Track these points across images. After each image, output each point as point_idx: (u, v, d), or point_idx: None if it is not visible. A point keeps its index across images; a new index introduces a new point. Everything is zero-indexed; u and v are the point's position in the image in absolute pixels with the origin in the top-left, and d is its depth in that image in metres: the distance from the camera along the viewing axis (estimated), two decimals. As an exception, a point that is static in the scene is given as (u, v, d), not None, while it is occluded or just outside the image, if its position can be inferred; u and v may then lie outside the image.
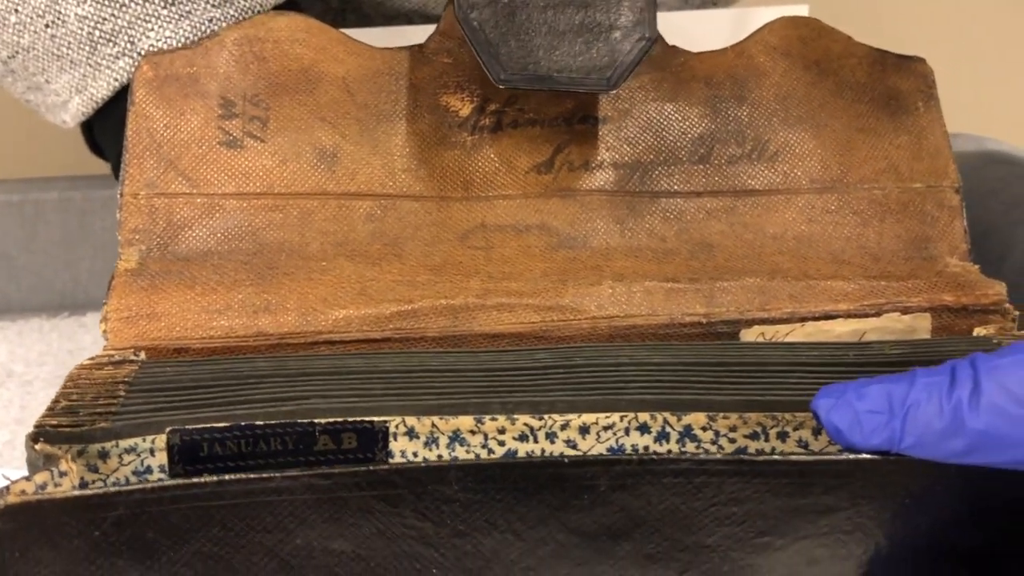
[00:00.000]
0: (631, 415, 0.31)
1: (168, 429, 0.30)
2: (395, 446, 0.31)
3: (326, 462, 0.30)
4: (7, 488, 0.27)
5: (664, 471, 0.29)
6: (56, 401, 0.32)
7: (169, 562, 0.29)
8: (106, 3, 0.41)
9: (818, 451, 0.32)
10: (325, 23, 0.54)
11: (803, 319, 0.39)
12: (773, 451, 0.31)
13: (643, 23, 0.38)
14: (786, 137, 0.43)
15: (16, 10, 0.41)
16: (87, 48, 0.42)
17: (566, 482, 0.29)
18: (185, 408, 0.31)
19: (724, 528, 0.30)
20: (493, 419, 0.31)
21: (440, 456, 0.32)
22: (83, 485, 0.30)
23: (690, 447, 0.32)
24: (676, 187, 0.42)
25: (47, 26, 0.41)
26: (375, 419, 0.30)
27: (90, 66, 0.42)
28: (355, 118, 0.41)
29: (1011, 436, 0.27)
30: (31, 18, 0.41)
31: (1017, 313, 0.41)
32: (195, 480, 0.28)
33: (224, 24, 0.42)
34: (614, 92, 0.42)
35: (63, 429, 0.30)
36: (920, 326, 0.40)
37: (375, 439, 0.31)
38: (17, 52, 0.42)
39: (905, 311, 0.39)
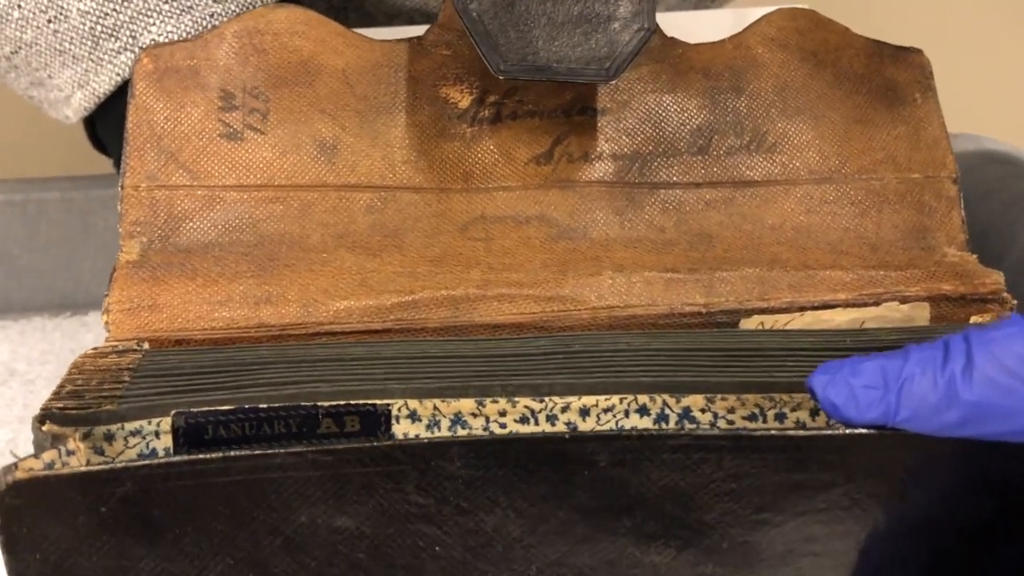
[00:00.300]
0: (630, 397, 0.32)
1: (173, 412, 0.30)
2: (397, 428, 0.31)
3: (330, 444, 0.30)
4: (15, 465, 0.28)
5: (663, 447, 0.29)
6: (61, 386, 0.32)
7: (174, 539, 0.29)
8: None
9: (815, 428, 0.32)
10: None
11: (802, 308, 0.39)
12: (770, 430, 0.31)
13: (642, 14, 0.38)
14: (784, 128, 0.43)
15: (19, 5, 0.41)
16: (89, 43, 0.42)
17: (566, 458, 0.29)
18: (189, 392, 0.31)
19: (723, 504, 0.30)
20: (494, 401, 0.31)
21: None
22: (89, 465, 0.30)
23: (688, 428, 0.32)
24: (675, 178, 0.42)
25: (50, 21, 0.42)
26: (378, 402, 0.31)
27: (92, 61, 0.42)
28: (355, 110, 0.42)
29: (1004, 407, 0.28)
30: (34, 13, 0.41)
31: (1015, 302, 0.41)
32: (200, 456, 0.28)
33: (225, 19, 0.42)
34: (613, 83, 0.42)
35: (69, 411, 0.30)
36: (918, 315, 0.40)
37: (378, 422, 0.31)
38: (20, 47, 0.43)
39: (904, 300, 0.40)
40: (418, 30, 0.43)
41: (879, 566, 0.32)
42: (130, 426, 0.30)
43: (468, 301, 0.39)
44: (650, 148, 0.42)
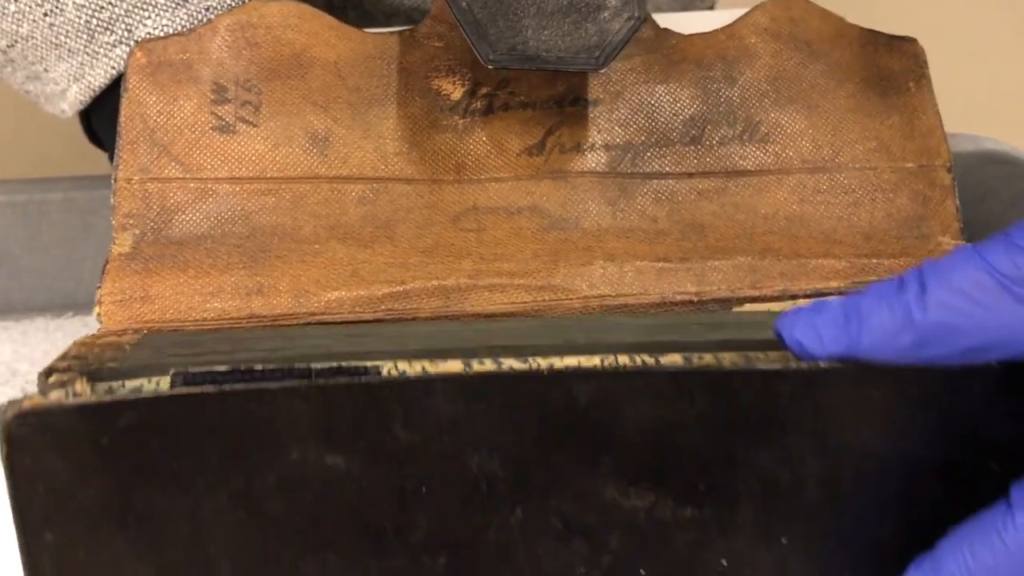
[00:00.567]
0: (611, 357, 0.32)
1: (171, 371, 0.30)
2: None
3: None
4: (22, 398, 0.29)
5: (638, 385, 0.31)
6: (65, 355, 0.33)
7: (171, 475, 0.30)
8: None
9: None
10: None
11: (794, 297, 0.39)
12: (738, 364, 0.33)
13: (632, 3, 0.38)
14: (777, 118, 0.43)
15: None
16: (84, 36, 0.42)
17: (546, 397, 0.31)
18: (187, 356, 0.32)
19: (697, 441, 0.31)
20: (480, 363, 0.31)
21: None
22: None
23: (662, 363, 0.33)
24: (667, 168, 0.42)
25: (45, 15, 0.42)
26: (368, 364, 0.31)
27: (87, 54, 0.42)
28: (347, 102, 0.42)
29: (957, 326, 0.30)
30: (30, 7, 0.42)
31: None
32: (198, 390, 0.29)
33: (220, 12, 0.43)
34: (605, 74, 0.42)
35: (74, 367, 0.31)
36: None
37: None
38: (16, 41, 0.43)
39: None
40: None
41: (849, 506, 0.33)
42: (130, 384, 0.31)
43: (459, 291, 0.39)
44: (643, 138, 0.42)
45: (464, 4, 0.38)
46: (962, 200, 0.43)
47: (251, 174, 0.41)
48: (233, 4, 0.43)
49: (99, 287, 0.38)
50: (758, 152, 0.43)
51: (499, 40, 0.38)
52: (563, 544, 0.32)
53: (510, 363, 0.31)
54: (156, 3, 0.42)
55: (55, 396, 0.30)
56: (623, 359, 0.32)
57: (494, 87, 0.42)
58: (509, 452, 0.31)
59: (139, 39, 0.42)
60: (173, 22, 0.42)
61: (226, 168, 0.41)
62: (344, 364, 0.31)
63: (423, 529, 0.31)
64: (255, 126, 0.41)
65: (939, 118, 0.44)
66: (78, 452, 0.30)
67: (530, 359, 0.32)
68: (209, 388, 0.30)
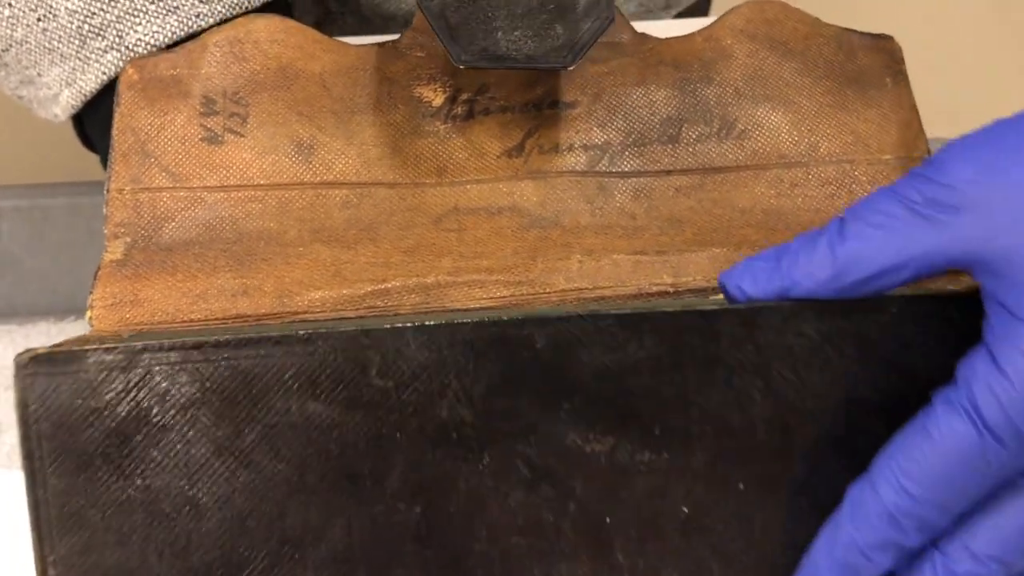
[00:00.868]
0: (566, 308, 0.35)
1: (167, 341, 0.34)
2: None
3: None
4: (37, 348, 0.34)
5: (591, 329, 0.34)
6: (63, 342, 0.36)
7: (165, 425, 0.34)
8: None
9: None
10: (324, 25, 0.56)
11: (770, 285, 0.40)
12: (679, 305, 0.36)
13: (600, 4, 0.39)
14: (754, 115, 0.44)
15: (10, 4, 0.43)
16: (76, 42, 0.43)
17: (508, 341, 0.34)
18: (183, 334, 0.35)
19: (649, 384, 0.34)
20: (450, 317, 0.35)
21: None
22: None
23: (613, 311, 0.36)
24: (646, 167, 0.43)
25: (39, 20, 0.43)
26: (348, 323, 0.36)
27: (79, 60, 0.44)
28: (331, 111, 0.43)
29: (871, 250, 0.34)
30: (24, 12, 0.43)
31: None
32: (191, 340, 0.34)
33: (211, 20, 0.44)
34: (582, 77, 0.43)
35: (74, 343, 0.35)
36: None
37: None
38: (11, 45, 0.44)
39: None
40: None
41: (799, 448, 0.35)
42: (129, 343, 0.34)
43: (439, 288, 0.40)
44: (620, 139, 0.43)
45: (437, 10, 0.39)
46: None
47: (239, 182, 0.42)
48: (224, 11, 0.44)
49: (91, 292, 0.39)
50: (735, 149, 0.43)
51: (471, 42, 0.39)
52: (531, 491, 0.35)
53: (476, 316, 0.35)
54: (147, 10, 0.43)
55: (65, 345, 0.34)
56: (577, 310, 0.35)
57: (474, 93, 0.43)
58: (475, 398, 0.34)
59: (130, 45, 0.43)
60: (163, 29, 0.43)
61: (215, 177, 0.42)
62: (326, 323, 0.35)
63: (398, 475, 0.34)
64: (242, 136, 0.42)
65: (916, 112, 0.45)
66: (83, 398, 0.34)
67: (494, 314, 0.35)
68: (202, 339, 0.34)
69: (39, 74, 0.45)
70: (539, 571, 0.35)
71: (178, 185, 0.42)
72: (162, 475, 0.34)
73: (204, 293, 0.39)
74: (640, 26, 0.45)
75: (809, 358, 0.35)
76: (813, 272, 0.34)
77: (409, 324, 0.34)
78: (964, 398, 0.32)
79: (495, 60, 0.39)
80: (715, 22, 0.45)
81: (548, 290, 0.40)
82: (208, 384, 0.34)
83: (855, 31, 0.45)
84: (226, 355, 0.34)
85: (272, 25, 0.44)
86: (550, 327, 0.34)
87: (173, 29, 0.43)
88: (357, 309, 0.39)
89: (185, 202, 0.41)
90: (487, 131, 0.43)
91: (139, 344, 0.34)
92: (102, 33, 0.43)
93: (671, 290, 0.40)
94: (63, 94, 0.45)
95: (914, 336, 0.35)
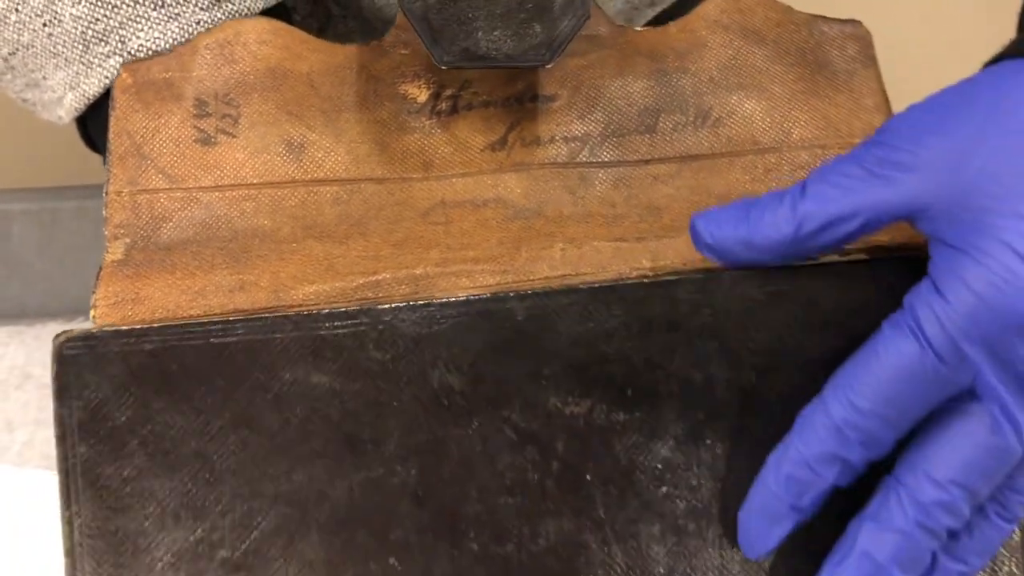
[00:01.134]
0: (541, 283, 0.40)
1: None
2: None
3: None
4: (72, 329, 0.39)
5: (564, 300, 0.39)
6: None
7: (185, 394, 0.38)
8: (99, 4, 0.44)
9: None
10: (326, 29, 0.58)
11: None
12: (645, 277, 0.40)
13: (575, 2, 0.41)
14: (728, 103, 0.45)
15: (16, 9, 0.44)
16: (80, 47, 0.45)
17: (491, 315, 0.39)
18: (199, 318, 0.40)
19: (620, 349, 0.38)
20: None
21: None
22: None
23: (584, 283, 0.40)
24: (625, 157, 0.45)
25: (45, 25, 0.44)
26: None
27: (83, 64, 0.45)
28: (320, 110, 0.44)
29: (828, 204, 0.37)
30: (30, 17, 0.44)
31: None
32: (207, 319, 0.39)
33: (211, 27, 0.45)
34: (562, 70, 0.45)
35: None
36: (859, 270, 0.42)
37: None
38: (17, 49, 0.46)
39: (843, 254, 0.41)
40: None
41: (758, 406, 0.39)
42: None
43: (428, 278, 0.41)
44: (600, 130, 0.45)
45: (420, 12, 0.41)
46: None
47: (232, 182, 0.43)
48: (224, 18, 0.45)
49: (94, 292, 0.41)
50: (710, 136, 0.45)
51: (452, 43, 0.41)
52: (517, 453, 0.38)
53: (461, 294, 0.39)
54: (149, 16, 0.45)
55: (98, 322, 0.39)
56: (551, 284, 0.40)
57: (457, 88, 0.45)
58: (464, 368, 0.38)
59: (132, 51, 0.45)
60: (165, 35, 0.45)
61: (209, 177, 0.43)
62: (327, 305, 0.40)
63: (395, 440, 0.38)
64: (235, 137, 0.44)
65: (885, 96, 0.46)
66: (112, 371, 0.38)
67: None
68: (217, 316, 0.39)
69: (44, 77, 0.46)
70: (527, 528, 0.38)
71: (174, 186, 0.43)
72: (180, 444, 0.38)
73: (203, 290, 0.41)
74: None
75: (759, 320, 0.38)
76: (777, 224, 0.38)
77: (403, 304, 0.39)
78: (909, 319, 0.36)
79: (476, 60, 0.40)
80: (690, 13, 0.46)
81: (532, 277, 0.41)
82: (222, 356, 0.38)
83: (825, 18, 0.47)
84: (240, 331, 0.38)
85: (260, 27, 0.45)
86: (528, 301, 0.39)
87: (174, 35, 0.45)
88: (350, 301, 0.41)
89: (182, 202, 0.43)
90: (471, 126, 0.44)
91: (160, 325, 0.39)
92: (105, 38, 0.44)
93: (650, 274, 0.41)
94: (67, 97, 0.46)
95: (855, 298, 0.39)
